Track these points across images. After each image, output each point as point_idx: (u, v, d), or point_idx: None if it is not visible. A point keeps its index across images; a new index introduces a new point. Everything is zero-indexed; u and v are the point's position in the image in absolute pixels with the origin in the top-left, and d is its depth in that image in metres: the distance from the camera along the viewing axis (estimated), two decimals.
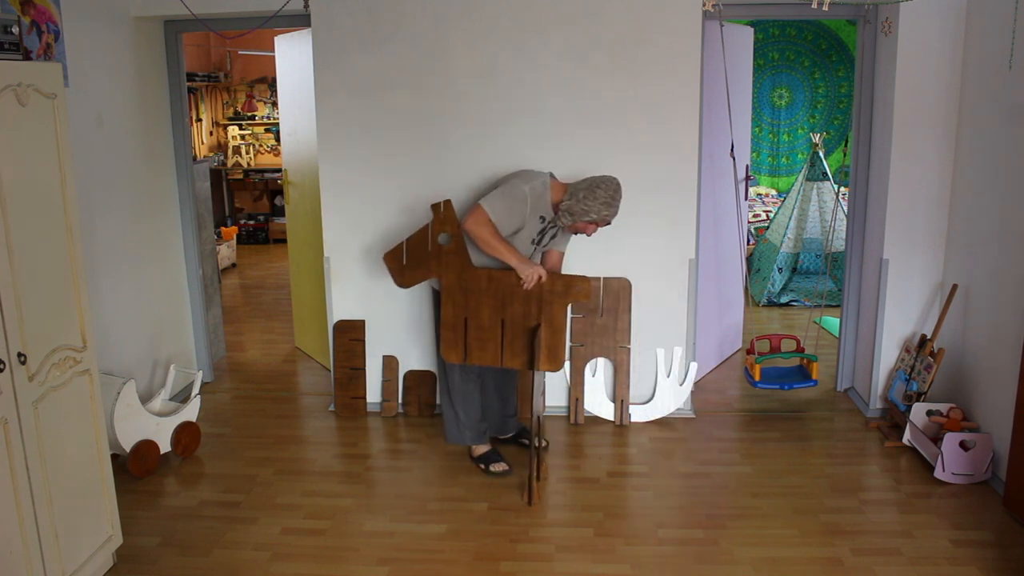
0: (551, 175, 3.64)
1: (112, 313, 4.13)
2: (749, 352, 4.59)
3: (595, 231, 3.60)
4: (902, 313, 4.29)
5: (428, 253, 3.57)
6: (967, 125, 3.98)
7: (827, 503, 3.54)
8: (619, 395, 4.35)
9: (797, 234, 6.75)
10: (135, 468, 3.79)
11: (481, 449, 3.88)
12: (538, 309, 3.49)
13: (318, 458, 4.06)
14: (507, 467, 3.79)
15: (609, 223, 3.58)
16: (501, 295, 3.52)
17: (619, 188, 3.54)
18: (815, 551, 3.18)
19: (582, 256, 4.29)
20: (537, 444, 3.57)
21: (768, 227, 7.21)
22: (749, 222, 7.24)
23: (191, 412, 4.11)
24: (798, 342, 4.51)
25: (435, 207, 3.55)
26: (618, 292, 4.30)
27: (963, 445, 3.66)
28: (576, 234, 3.68)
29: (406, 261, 3.62)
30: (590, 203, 3.47)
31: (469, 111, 4.21)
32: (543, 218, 3.58)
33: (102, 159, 4.07)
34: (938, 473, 3.69)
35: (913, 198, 4.16)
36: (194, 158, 5.16)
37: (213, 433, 4.31)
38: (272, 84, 9.26)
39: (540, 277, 3.49)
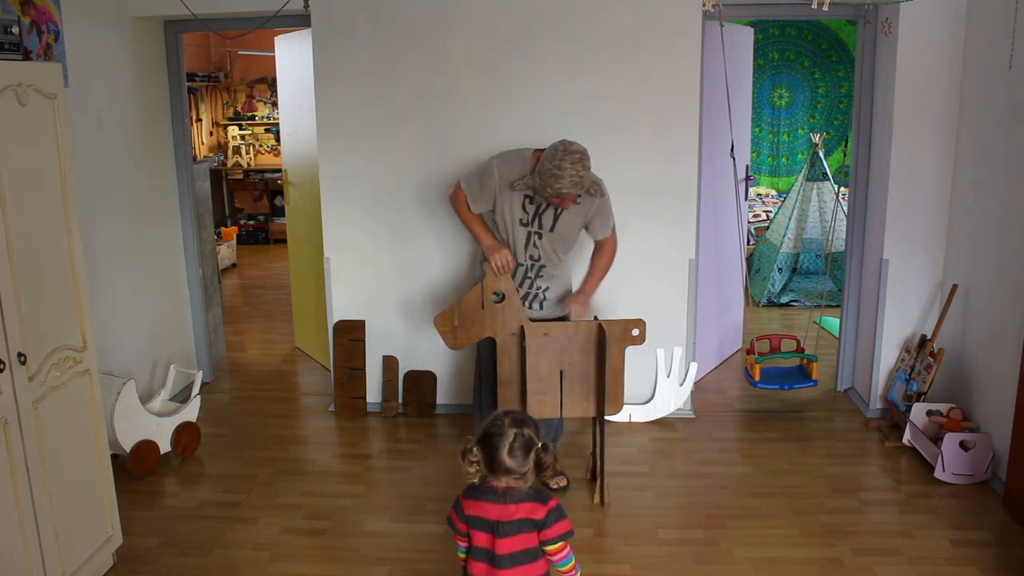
0: (535, 150, 3.44)
1: (112, 313, 4.13)
2: (749, 352, 4.59)
3: (567, 205, 3.38)
4: (902, 313, 4.29)
5: (482, 312, 3.48)
6: (967, 125, 3.98)
7: (827, 503, 3.54)
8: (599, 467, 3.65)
9: (797, 234, 6.75)
10: (135, 468, 3.79)
11: None
12: (597, 355, 3.43)
13: (318, 458, 4.06)
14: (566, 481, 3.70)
15: (573, 198, 3.32)
16: (559, 347, 3.44)
17: (560, 153, 3.21)
18: (815, 551, 3.18)
19: (582, 258, 4.29)
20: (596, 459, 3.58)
21: (768, 227, 7.21)
22: (749, 222, 7.24)
23: (191, 412, 4.11)
24: (798, 342, 4.51)
25: (487, 264, 3.48)
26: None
27: (963, 445, 3.66)
28: (559, 205, 3.42)
29: (459, 322, 3.50)
30: (544, 178, 3.25)
31: (469, 111, 4.21)
32: (530, 198, 3.43)
33: (102, 159, 4.07)
34: (938, 473, 3.69)
35: (913, 198, 4.16)
36: (194, 158, 5.16)
37: (213, 433, 4.31)
38: (272, 84, 9.26)
39: (508, 263, 3.41)
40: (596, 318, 3.52)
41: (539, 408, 3.47)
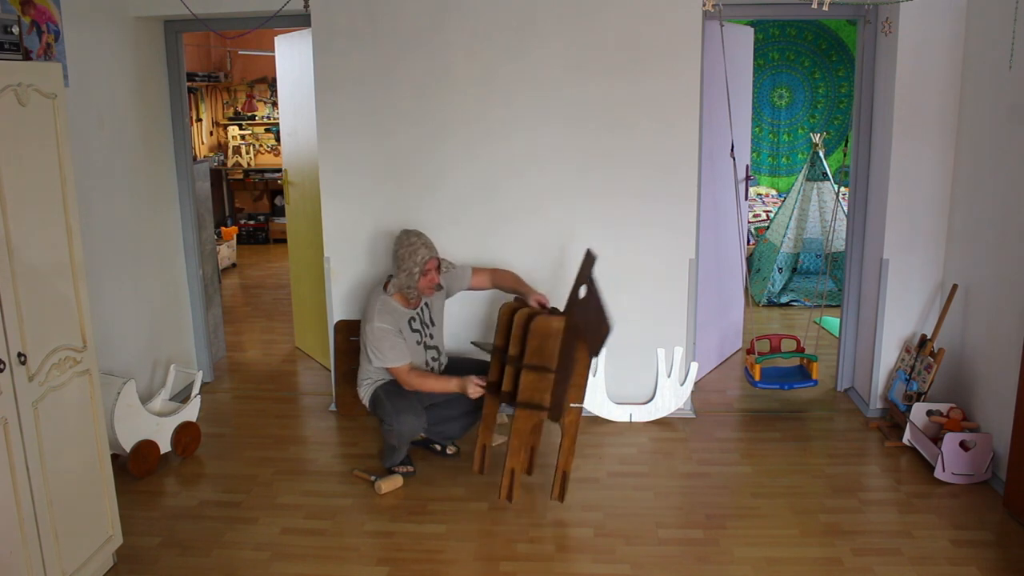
0: (383, 287, 3.75)
1: (112, 313, 4.13)
2: (749, 352, 4.59)
3: (436, 278, 3.72)
4: (902, 313, 4.29)
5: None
6: (967, 125, 3.98)
7: (827, 503, 3.54)
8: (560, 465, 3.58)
9: (797, 234, 6.75)
10: (135, 468, 3.79)
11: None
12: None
13: (318, 458, 4.06)
14: (411, 468, 3.83)
15: (436, 262, 3.69)
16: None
17: (405, 235, 3.67)
18: (815, 551, 3.18)
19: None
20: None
21: (768, 227, 7.21)
22: (749, 222, 7.24)
23: (191, 412, 4.11)
24: (798, 342, 4.51)
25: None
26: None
27: (963, 445, 3.66)
28: (432, 292, 3.77)
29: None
30: (406, 265, 3.62)
31: (468, 111, 4.21)
32: (411, 319, 3.78)
33: (102, 159, 4.07)
34: (938, 473, 3.69)
35: (913, 198, 4.16)
36: (194, 158, 5.16)
37: (213, 433, 4.31)
38: (272, 84, 9.26)
39: (479, 385, 3.58)
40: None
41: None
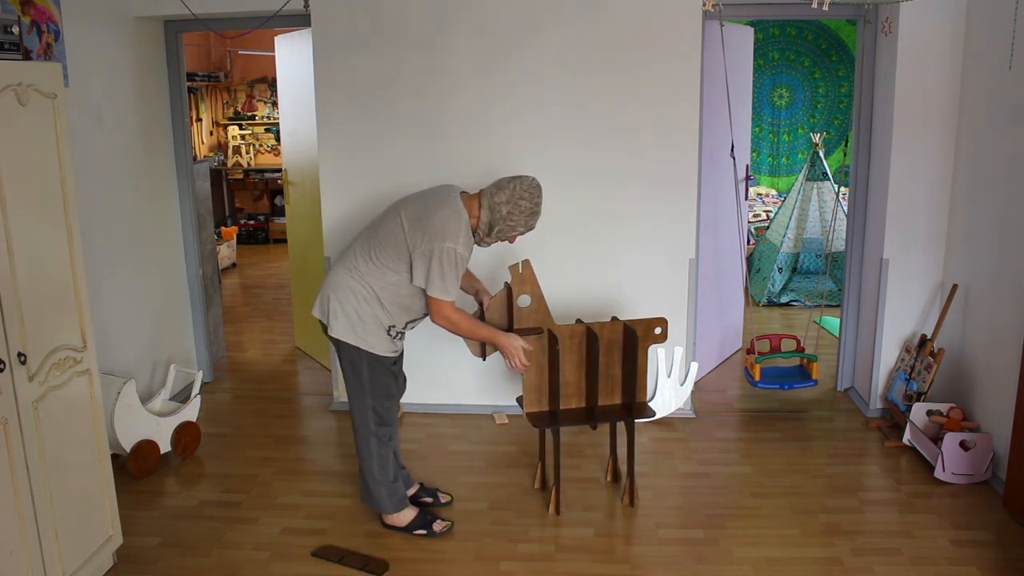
0: (460, 197, 3.14)
1: (112, 313, 4.13)
2: (749, 352, 4.59)
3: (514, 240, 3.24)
4: (902, 313, 4.29)
5: (508, 318, 3.40)
6: (967, 125, 3.98)
7: (827, 503, 3.54)
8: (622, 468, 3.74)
9: (797, 234, 6.75)
10: (135, 468, 3.79)
11: (410, 515, 3.35)
12: (620, 355, 3.43)
13: (318, 458, 4.06)
14: (450, 522, 3.38)
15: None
16: (584, 349, 3.41)
17: (539, 190, 3.14)
18: (815, 551, 3.18)
19: (582, 258, 4.30)
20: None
21: (768, 227, 7.21)
22: (749, 222, 7.24)
23: (191, 412, 4.11)
24: (798, 342, 4.51)
25: (513, 268, 3.35)
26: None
27: (963, 445, 3.66)
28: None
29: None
30: (516, 218, 3.10)
31: (468, 111, 4.21)
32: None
33: (102, 159, 4.07)
34: (938, 473, 3.69)
35: (913, 198, 4.16)
36: (194, 158, 5.16)
37: (213, 433, 4.31)
38: (272, 84, 9.26)
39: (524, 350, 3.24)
40: (615, 318, 3.49)
41: (566, 411, 3.46)
